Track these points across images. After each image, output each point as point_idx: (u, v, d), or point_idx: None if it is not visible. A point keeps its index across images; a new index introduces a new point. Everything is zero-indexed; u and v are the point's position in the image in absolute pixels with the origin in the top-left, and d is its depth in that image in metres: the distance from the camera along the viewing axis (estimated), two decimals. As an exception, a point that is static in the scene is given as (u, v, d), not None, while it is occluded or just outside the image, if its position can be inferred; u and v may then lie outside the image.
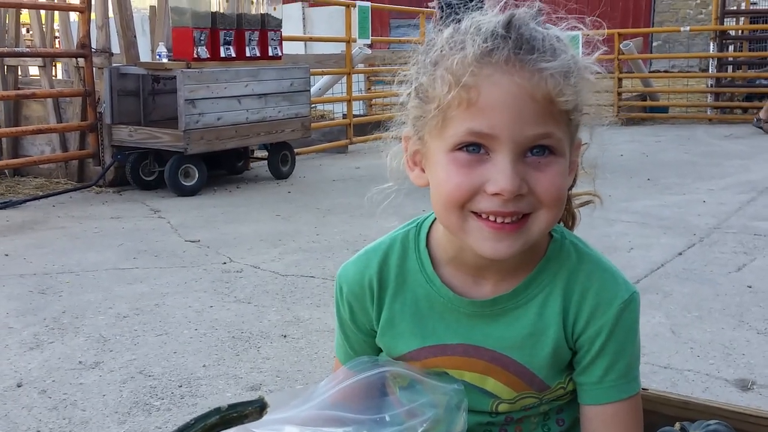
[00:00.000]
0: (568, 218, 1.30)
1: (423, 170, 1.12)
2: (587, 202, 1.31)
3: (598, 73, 1.09)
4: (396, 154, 1.19)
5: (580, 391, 1.17)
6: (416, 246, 1.20)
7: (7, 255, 4.74)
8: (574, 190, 1.27)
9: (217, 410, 1.02)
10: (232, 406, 1.02)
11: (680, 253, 4.58)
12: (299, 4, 14.37)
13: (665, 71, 15.70)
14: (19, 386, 2.88)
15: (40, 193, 6.76)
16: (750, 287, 3.89)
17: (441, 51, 1.05)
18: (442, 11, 6.99)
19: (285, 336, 3.36)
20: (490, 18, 1.04)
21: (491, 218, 1.04)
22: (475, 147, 1.02)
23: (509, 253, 1.06)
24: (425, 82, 1.07)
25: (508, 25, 1.02)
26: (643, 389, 1.55)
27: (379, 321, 1.21)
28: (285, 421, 1.11)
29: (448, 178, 1.05)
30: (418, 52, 1.11)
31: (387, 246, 1.22)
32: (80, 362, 3.10)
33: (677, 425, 1.48)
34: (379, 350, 1.26)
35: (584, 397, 1.16)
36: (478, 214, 1.05)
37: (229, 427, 1.03)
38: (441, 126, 1.04)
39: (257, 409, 1.03)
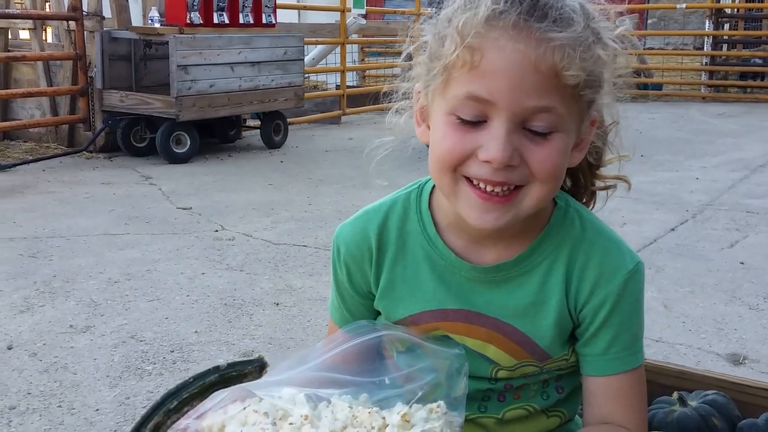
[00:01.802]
0: (589, 199, 1.26)
1: (429, 127, 1.09)
2: (610, 186, 1.27)
3: (617, 50, 1.05)
4: (403, 107, 1.16)
5: (583, 362, 1.15)
6: (418, 208, 1.18)
7: (-4, 218, 4.70)
8: (604, 172, 1.24)
9: (216, 369, 1.01)
10: (231, 365, 1.01)
11: (673, 229, 4.58)
12: (293, -28, 14.20)
13: (660, 48, 15.64)
14: (9, 349, 2.86)
15: (30, 158, 6.70)
16: (742, 263, 3.89)
17: (456, 7, 1.02)
18: None
19: (277, 304, 3.35)
20: None
21: (481, 186, 1.02)
22: (473, 117, 1.00)
23: (496, 225, 1.04)
24: (437, 37, 1.04)
25: None
26: (641, 359, 1.55)
27: (378, 284, 1.18)
28: (283, 383, 1.10)
29: (443, 140, 1.03)
30: (435, 4, 1.08)
31: (387, 207, 1.19)
32: (71, 326, 3.08)
33: (675, 395, 1.48)
34: (375, 312, 1.23)
35: (587, 368, 1.14)
36: (469, 180, 1.03)
37: (227, 386, 1.02)
38: (444, 85, 1.02)
39: (257, 368, 1.01)
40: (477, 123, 1.00)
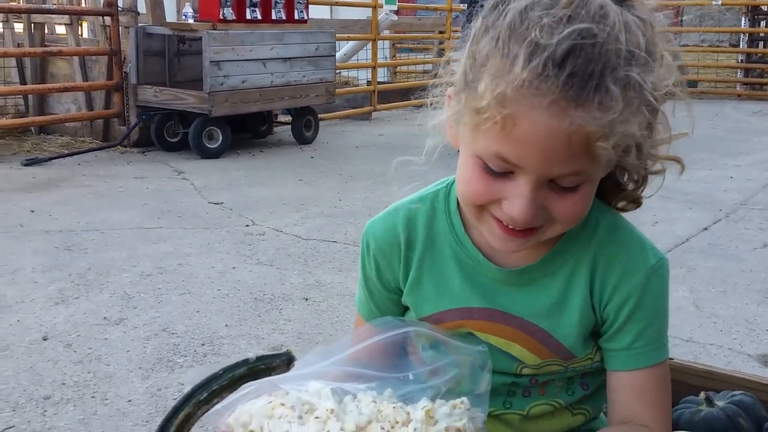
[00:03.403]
0: (639, 184, 1.17)
1: (457, 135, 1.09)
2: (660, 171, 1.14)
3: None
4: (435, 104, 1.13)
5: (607, 357, 1.16)
6: (446, 207, 1.19)
7: (32, 211, 4.79)
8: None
9: (245, 362, 1.02)
10: (260, 358, 1.03)
11: (705, 228, 4.54)
12: (326, -32, 14.24)
13: (695, 45, 15.44)
14: (44, 340, 2.92)
15: (66, 152, 6.80)
16: (775, 264, 3.85)
17: (494, 47, 0.96)
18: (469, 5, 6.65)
19: (307, 299, 3.38)
20: (551, 34, 0.91)
21: (504, 222, 1.03)
22: (500, 169, 0.99)
23: (517, 251, 1.08)
24: (472, 74, 0.98)
25: (564, 60, 0.90)
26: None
27: (407, 280, 1.20)
28: (310, 377, 1.11)
29: (470, 181, 1.03)
30: (476, 29, 1.00)
31: (417, 204, 1.20)
32: (105, 318, 3.14)
33: (702, 395, 1.47)
34: (403, 308, 1.25)
35: (612, 363, 1.15)
36: (493, 215, 1.04)
37: (256, 379, 1.04)
38: (473, 128, 0.99)
39: (284, 361, 1.03)
40: (504, 174, 1.00)
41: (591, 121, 0.91)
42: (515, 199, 0.99)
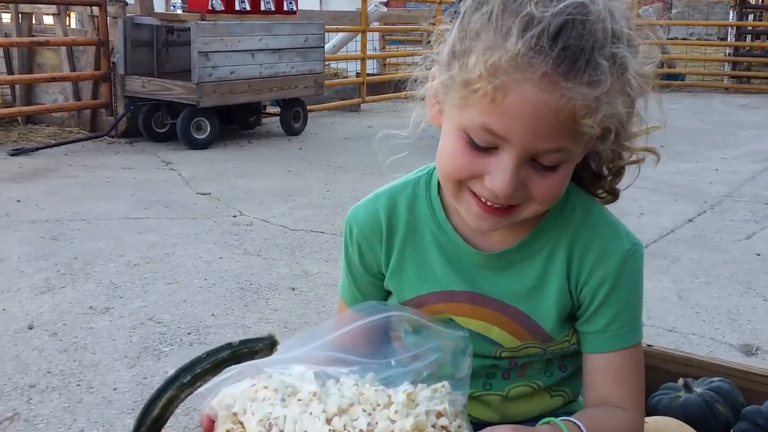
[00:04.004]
0: (616, 176, 1.19)
1: (441, 112, 1.10)
2: (638, 161, 1.18)
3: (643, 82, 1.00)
4: (421, 95, 1.15)
5: (583, 340, 1.18)
6: (427, 193, 1.21)
7: (19, 201, 4.77)
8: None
9: (228, 345, 1.03)
10: (243, 342, 1.04)
11: (690, 220, 4.57)
12: (315, -41, 14.21)
13: (683, 39, 15.50)
14: (30, 328, 2.92)
15: (53, 142, 6.78)
16: (759, 255, 3.89)
17: (488, 21, 0.97)
18: None
19: (293, 289, 3.39)
20: (546, 7, 0.93)
21: (482, 199, 1.05)
22: (485, 144, 1.00)
23: (492, 230, 1.10)
24: (462, 48, 1.00)
25: (557, 34, 0.93)
26: (648, 345, 1.57)
27: (389, 264, 1.22)
28: (292, 360, 1.13)
29: (452, 155, 1.04)
30: (465, 6, 1.01)
31: (398, 190, 1.23)
32: (91, 307, 3.14)
33: (681, 381, 1.50)
34: (385, 292, 1.27)
35: (587, 346, 1.17)
36: (472, 191, 1.06)
37: (239, 363, 1.05)
38: (461, 101, 1.00)
39: (267, 345, 1.04)
40: (487, 149, 1.01)
41: (579, 96, 0.94)
42: (498, 174, 1.00)
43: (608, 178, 1.19)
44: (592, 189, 1.19)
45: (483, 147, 1.01)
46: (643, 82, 1.02)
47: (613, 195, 1.21)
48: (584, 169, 1.15)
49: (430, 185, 1.21)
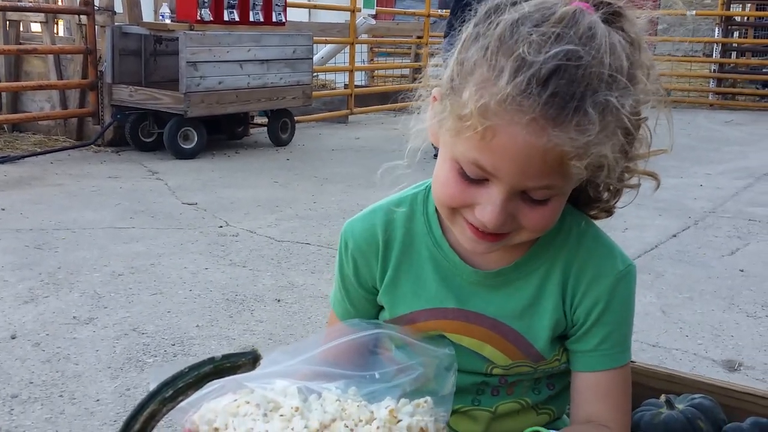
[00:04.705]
0: (612, 196, 1.19)
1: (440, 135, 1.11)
2: (635, 185, 1.15)
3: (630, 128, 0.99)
4: (418, 107, 1.15)
5: (573, 359, 1.19)
6: (424, 209, 1.21)
7: (3, 209, 4.74)
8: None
9: (211, 360, 1.03)
10: (225, 357, 1.03)
11: (674, 235, 4.60)
12: (305, -29, 14.24)
13: (669, 54, 15.62)
14: (13, 338, 2.90)
15: (39, 150, 6.75)
16: (742, 271, 3.91)
17: (482, 57, 0.97)
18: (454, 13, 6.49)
19: (279, 300, 3.38)
20: (539, 51, 0.93)
21: (475, 225, 1.06)
22: (475, 176, 1.01)
23: (486, 253, 1.12)
24: (458, 81, 1.00)
25: (548, 79, 0.92)
26: (631, 361, 1.57)
27: (383, 280, 1.22)
28: (276, 375, 1.13)
29: (445, 184, 1.06)
30: (467, 34, 1.01)
31: (395, 205, 1.22)
32: (74, 317, 3.12)
33: (663, 397, 1.50)
34: (378, 307, 1.27)
35: (577, 364, 1.18)
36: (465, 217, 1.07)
37: (221, 377, 1.04)
38: (454, 133, 1.01)
39: (250, 360, 1.04)
40: (479, 180, 1.02)
41: (567, 141, 0.94)
42: (487, 206, 1.01)
43: (606, 200, 1.19)
44: (587, 209, 1.20)
45: (474, 179, 1.02)
46: (640, 120, 1.03)
47: (608, 213, 1.22)
48: (581, 192, 1.16)
49: (427, 201, 1.21)
